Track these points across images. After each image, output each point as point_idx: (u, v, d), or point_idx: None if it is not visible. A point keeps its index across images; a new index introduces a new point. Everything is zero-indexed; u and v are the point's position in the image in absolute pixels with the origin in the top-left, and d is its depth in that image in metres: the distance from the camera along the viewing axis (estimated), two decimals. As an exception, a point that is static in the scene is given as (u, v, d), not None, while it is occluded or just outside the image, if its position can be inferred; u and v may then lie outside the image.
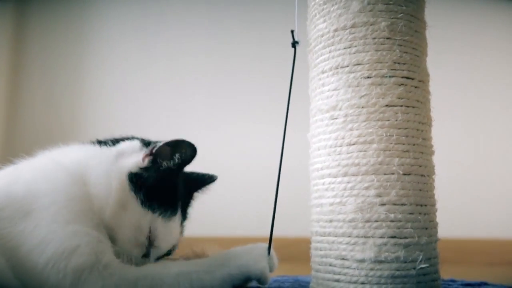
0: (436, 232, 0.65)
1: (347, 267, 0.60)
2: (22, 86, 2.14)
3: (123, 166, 0.69)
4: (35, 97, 2.15)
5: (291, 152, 2.01)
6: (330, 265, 0.63)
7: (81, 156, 0.72)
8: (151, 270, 0.64)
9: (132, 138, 0.77)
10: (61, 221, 0.62)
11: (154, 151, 0.71)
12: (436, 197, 0.66)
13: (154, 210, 0.68)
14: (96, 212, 0.66)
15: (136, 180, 0.68)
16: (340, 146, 0.64)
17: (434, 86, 0.71)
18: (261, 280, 0.65)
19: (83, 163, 0.70)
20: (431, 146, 0.67)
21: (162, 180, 0.71)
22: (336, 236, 0.62)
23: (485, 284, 0.77)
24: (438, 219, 0.66)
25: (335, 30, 0.66)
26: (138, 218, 0.67)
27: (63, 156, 0.73)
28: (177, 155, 0.71)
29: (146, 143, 0.74)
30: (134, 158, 0.71)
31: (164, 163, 0.71)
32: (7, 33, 2.12)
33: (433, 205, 0.65)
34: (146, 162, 0.70)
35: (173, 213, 0.71)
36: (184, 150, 0.71)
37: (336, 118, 0.65)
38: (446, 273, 0.79)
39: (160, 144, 0.70)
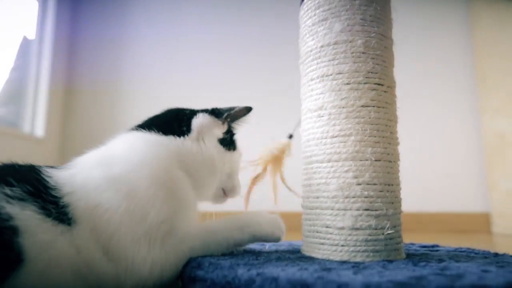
0: (400, 206, 0.65)
1: (330, 233, 0.61)
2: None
3: (212, 138, 0.71)
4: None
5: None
6: (317, 232, 0.63)
7: (159, 139, 0.66)
8: (209, 227, 0.64)
9: (192, 111, 0.74)
10: (159, 195, 0.58)
11: (228, 118, 0.75)
12: (400, 178, 0.66)
13: (233, 152, 0.75)
14: (190, 180, 0.65)
15: (224, 141, 0.73)
16: (325, 138, 0.64)
17: (399, 91, 0.71)
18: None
19: (167, 144, 0.66)
20: (397, 138, 0.67)
21: (233, 133, 0.77)
22: (321, 209, 0.62)
23: (437, 246, 0.78)
24: (401, 196, 0.66)
25: (321, 46, 0.66)
26: (229, 164, 0.74)
27: (141, 140, 0.66)
28: (240, 117, 0.76)
29: (212, 112, 0.75)
30: (215, 128, 0.73)
31: (234, 124, 0.77)
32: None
33: (398, 184, 0.65)
34: (226, 127, 0.74)
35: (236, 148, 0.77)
36: (243, 111, 0.76)
37: (322, 116, 0.65)
38: (407, 238, 0.79)
39: (230, 111, 0.74)
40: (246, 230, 0.64)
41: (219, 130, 0.73)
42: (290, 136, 0.84)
